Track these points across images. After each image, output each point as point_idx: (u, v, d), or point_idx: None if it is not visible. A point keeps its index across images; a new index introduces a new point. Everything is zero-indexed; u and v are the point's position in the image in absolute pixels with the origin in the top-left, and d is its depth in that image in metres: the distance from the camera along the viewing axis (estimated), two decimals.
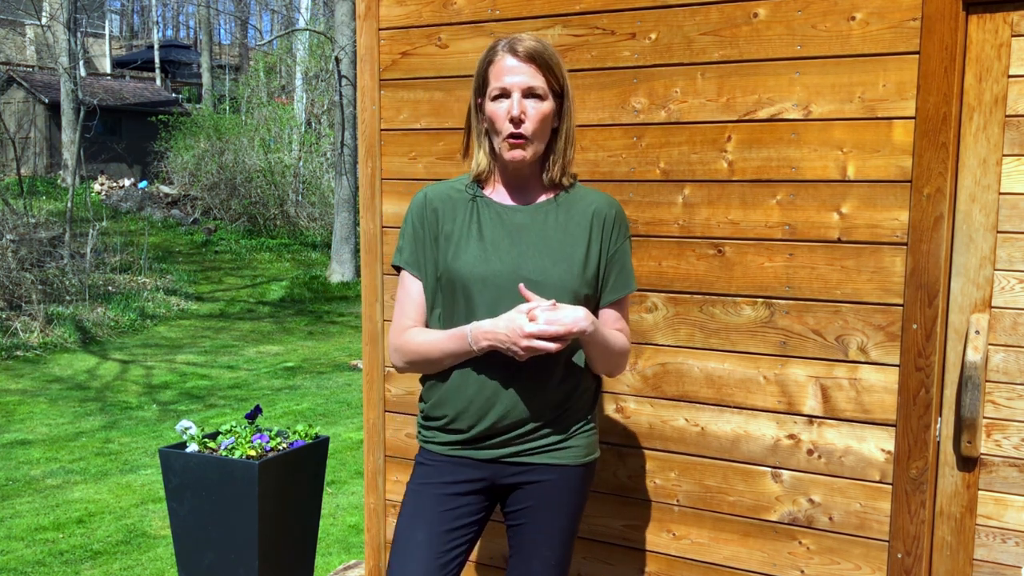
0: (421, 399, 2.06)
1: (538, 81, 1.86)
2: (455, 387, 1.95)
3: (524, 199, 1.99)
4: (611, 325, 2.02)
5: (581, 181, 2.60)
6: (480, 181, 2.00)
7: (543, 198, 2.00)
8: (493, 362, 1.90)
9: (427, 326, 2.01)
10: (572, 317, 1.80)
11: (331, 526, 4.81)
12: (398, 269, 2.04)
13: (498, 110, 1.88)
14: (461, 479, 1.98)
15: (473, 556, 2.85)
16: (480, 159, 1.97)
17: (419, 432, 2.07)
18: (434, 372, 1.97)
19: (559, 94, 1.92)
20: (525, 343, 1.77)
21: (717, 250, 2.45)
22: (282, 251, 16.86)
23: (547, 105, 1.89)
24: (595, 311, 2.00)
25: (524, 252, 1.93)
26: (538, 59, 1.86)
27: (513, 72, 1.85)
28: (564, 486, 1.98)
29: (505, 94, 1.86)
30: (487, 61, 1.90)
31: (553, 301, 1.82)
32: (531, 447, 1.96)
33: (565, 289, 1.92)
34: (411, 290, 2.00)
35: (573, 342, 1.90)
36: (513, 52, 1.85)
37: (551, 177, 1.97)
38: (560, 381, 1.95)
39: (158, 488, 5.36)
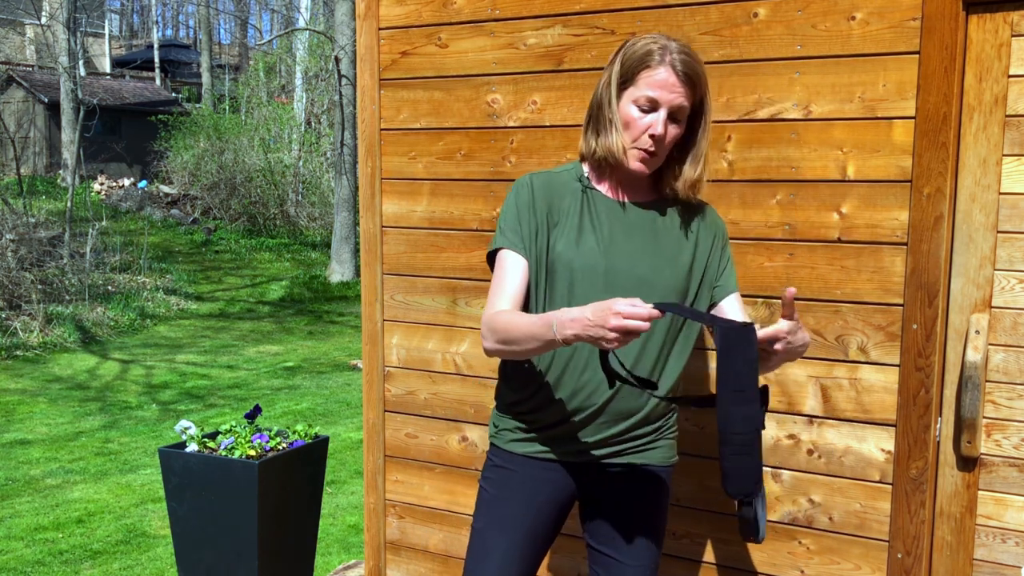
0: (502, 395, 2.00)
1: (685, 104, 1.83)
2: (553, 378, 1.89)
3: (634, 196, 1.95)
4: (741, 307, 1.99)
5: None
6: (594, 170, 1.94)
7: (653, 198, 1.96)
8: (593, 360, 1.87)
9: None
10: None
11: (331, 526, 4.81)
12: (493, 254, 1.92)
13: (638, 119, 1.83)
14: (547, 486, 1.94)
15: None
16: (614, 141, 1.85)
17: (498, 431, 2.01)
18: (519, 358, 1.87)
19: (698, 112, 1.89)
20: (615, 322, 1.57)
21: None
22: (282, 251, 16.85)
23: (680, 128, 1.87)
24: (707, 308, 1.98)
25: (638, 250, 1.89)
26: (694, 80, 1.82)
27: (669, 89, 1.80)
28: (651, 488, 1.97)
29: (653, 107, 1.82)
30: (643, 63, 1.82)
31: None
32: (623, 448, 1.94)
33: (676, 290, 1.90)
34: (509, 272, 1.89)
35: (676, 343, 1.91)
36: (674, 69, 1.80)
37: (673, 189, 1.92)
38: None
39: (158, 488, 5.36)
